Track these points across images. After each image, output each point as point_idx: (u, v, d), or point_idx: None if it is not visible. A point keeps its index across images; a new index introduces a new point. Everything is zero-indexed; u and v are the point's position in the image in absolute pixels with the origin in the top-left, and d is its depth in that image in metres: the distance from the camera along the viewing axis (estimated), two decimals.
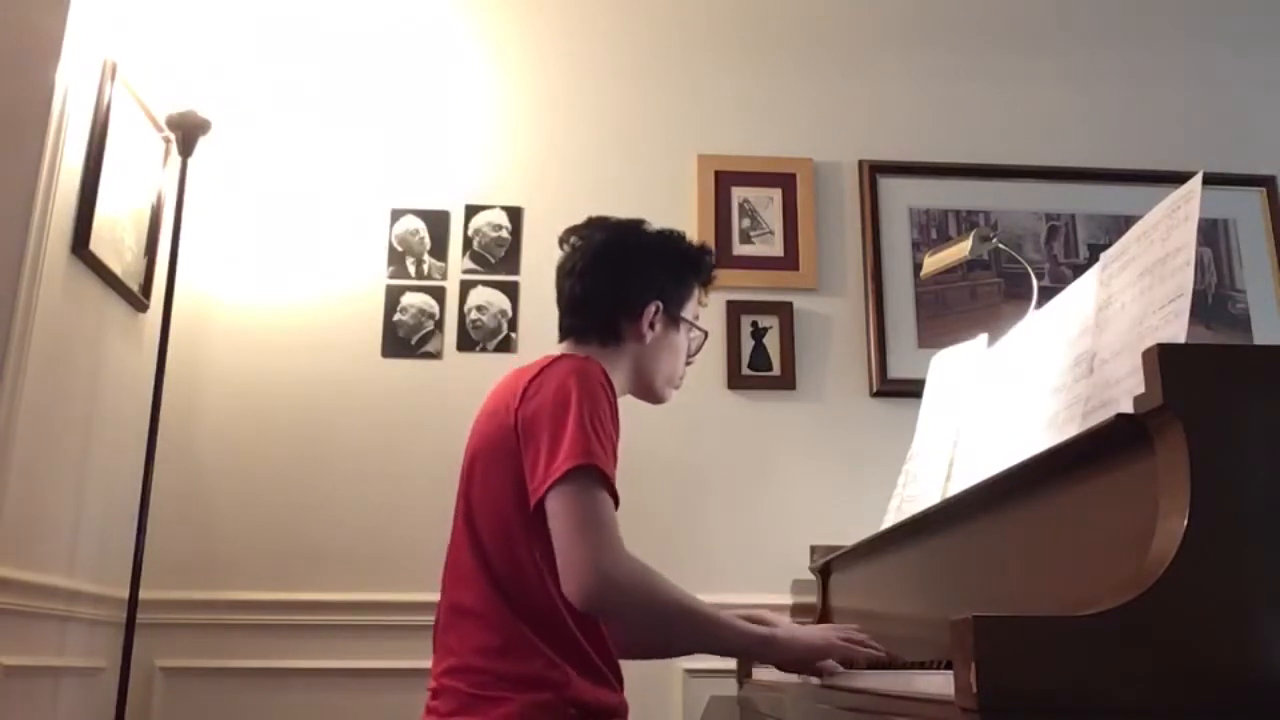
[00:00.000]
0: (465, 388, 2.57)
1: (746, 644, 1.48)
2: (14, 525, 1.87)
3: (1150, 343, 0.92)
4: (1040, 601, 1.13)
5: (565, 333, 1.62)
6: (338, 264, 2.63)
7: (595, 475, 1.33)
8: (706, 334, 1.71)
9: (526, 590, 1.37)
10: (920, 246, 2.73)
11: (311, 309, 2.60)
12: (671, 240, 1.66)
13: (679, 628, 1.41)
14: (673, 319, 1.62)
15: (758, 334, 2.67)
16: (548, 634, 1.35)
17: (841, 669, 1.42)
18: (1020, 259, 2.24)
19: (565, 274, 1.63)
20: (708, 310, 1.68)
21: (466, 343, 2.61)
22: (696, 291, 1.68)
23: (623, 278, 1.60)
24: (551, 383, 1.41)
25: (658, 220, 1.63)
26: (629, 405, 1.65)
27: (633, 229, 1.65)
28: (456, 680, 1.38)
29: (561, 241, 1.66)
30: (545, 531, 1.34)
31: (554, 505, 1.33)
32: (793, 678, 1.55)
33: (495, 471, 1.43)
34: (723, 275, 2.03)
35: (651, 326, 1.58)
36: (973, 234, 2.04)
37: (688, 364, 1.68)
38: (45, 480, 2.00)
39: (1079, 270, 1.95)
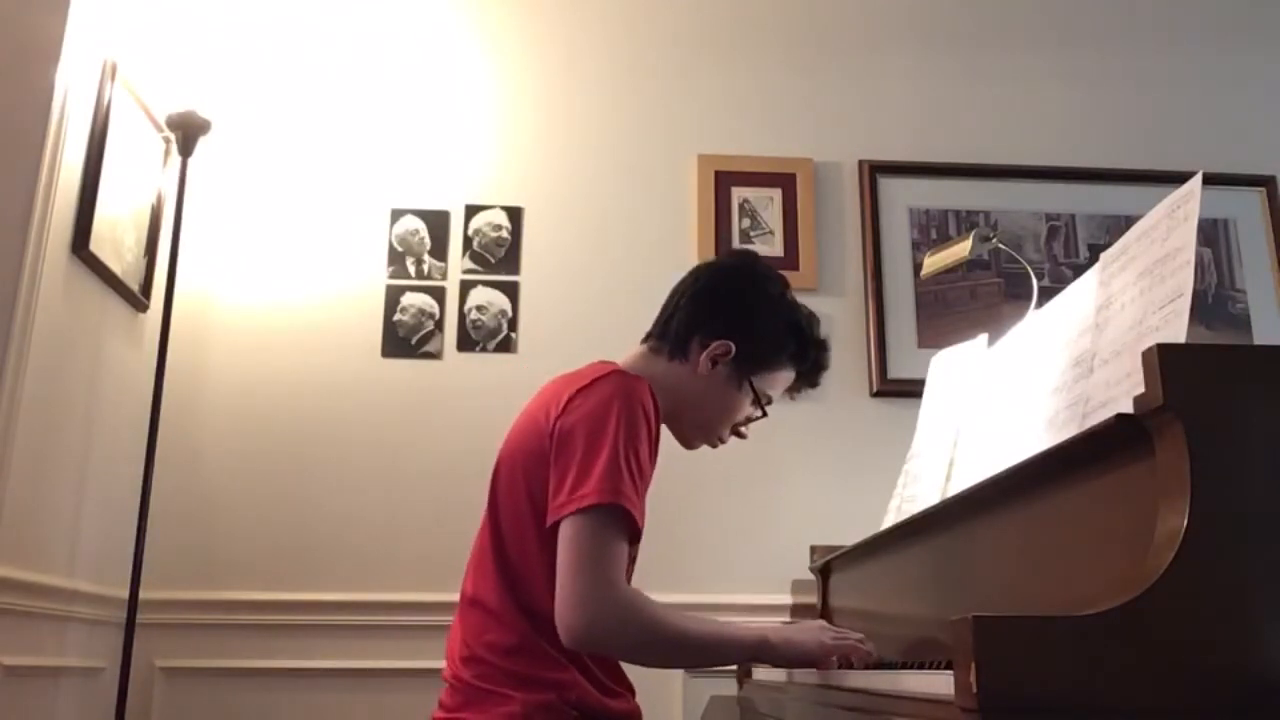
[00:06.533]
0: (465, 388, 2.60)
1: (741, 653, 1.45)
2: (14, 525, 1.87)
3: (1150, 343, 0.92)
4: (1040, 601, 1.13)
5: (652, 331, 1.60)
6: (338, 264, 2.63)
7: (618, 515, 1.30)
8: (765, 415, 1.61)
9: (537, 595, 1.36)
10: (920, 246, 2.73)
11: (311, 309, 2.60)
12: (792, 312, 1.61)
13: (675, 657, 1.46)
14: (740, 374, 1.55)
15: None
16: (555, 639, 1.34)
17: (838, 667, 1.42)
18: (1020, 259, 2.24)
19: (691, 280, 1.61)
20: None
21: (466, 343, 2.61)
22: (785, 374, 1.61)
23: (720, 305, 1.57)
24: (596, 399, 1.38)
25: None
26: None
27: (766, 279, 1.62)
28: (464, 670, 1.39)
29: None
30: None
31: (565, 532, 1.31)
32: (793, 676, 1.55)
33: (523, 475, 1.42)
34: None
35: (714, 363, 1.52)
36: (973, 234, 2.04)
37: (733, 433, 1.61)
38: (45, 480, 2.00)
39: (1079, 270, 1.95)
